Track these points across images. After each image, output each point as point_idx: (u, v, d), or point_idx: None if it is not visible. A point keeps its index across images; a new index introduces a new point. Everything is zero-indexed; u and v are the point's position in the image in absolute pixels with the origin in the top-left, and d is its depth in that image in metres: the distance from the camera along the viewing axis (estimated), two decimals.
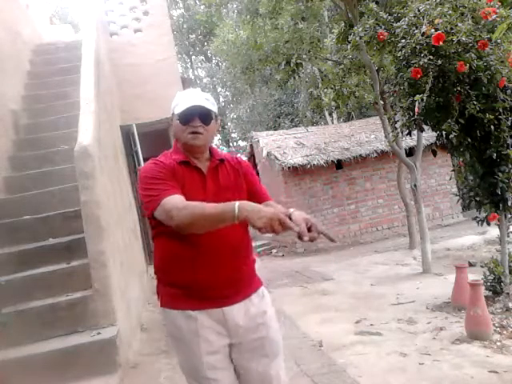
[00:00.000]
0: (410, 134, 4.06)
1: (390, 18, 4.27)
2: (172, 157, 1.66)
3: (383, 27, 4.24)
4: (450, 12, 3.59)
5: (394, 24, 4.05)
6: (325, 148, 9.89)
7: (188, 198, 1.52)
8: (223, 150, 21.02)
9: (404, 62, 3.78)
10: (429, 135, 7.91)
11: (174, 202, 1.48)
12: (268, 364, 1.65)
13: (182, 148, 1.67)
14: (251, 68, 9.83)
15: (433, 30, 3.47)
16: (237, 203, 1.36)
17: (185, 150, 1.67)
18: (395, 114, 4.65)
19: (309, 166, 9.38)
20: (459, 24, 3.49)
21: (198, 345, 1.57)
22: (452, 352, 3.15)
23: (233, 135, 23.19)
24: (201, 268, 1.56)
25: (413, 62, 3.60)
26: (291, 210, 1.49)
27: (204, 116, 1.62)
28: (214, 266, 1.57)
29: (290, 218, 1.40)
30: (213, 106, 1.66)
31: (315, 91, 10.40)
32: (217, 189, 1.64)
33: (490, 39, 3.45)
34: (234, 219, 1.36)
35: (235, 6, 16.82)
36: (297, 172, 9.52)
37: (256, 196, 1.74)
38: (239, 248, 1.65)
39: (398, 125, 4.26)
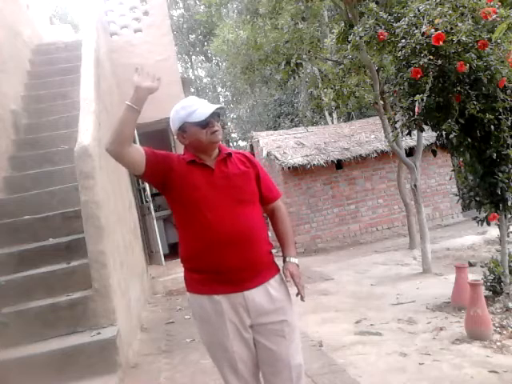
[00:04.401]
0: (410, 133, 4.05)
1: (389, 18, 4.27)
2: (181, 157, 1.86)
3: (383, 27, 4.24)
4: (450, 12, 3.59)
5: (394, 24, 4.05)
6: (325, 148, 9.88)
7: (196, 193, 1.76)
8: None
9: (404, 62, 3.78)
10: (429, 135, 7.89)
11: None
12: (287, 346, 1.81)
13: (204, 147, 1.83)
14: (251, 68, 9.83)
15: (433, 30, 3.47)
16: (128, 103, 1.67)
17: (205, 150, 1.84)
18: (395, 114, 4.65)
19: (309, 166, 9.37)
20: (459, 24, 3.48)
21: (224, 323, 1.76)
22: (452, 352, 3.15)
23: (233, 135, 23.14)
24: (219, 252, 1.72)
25: (413, 61, 3.60)
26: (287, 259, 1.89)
27: (217, 116, 1.84)
28: (232, 249, 1.73)
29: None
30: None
31: (315, 91, 10.37)
32: (225, 176, 1.82)
33: (489, 39, 3.44)
34: (133, 108, 1.66)
35: (235, 5, 16.83)
36: (297, 172, 9.51)
37: (266, 191, 1.94)
38: (255, 231, 1.80)
39: (398, 125, 4.26)
